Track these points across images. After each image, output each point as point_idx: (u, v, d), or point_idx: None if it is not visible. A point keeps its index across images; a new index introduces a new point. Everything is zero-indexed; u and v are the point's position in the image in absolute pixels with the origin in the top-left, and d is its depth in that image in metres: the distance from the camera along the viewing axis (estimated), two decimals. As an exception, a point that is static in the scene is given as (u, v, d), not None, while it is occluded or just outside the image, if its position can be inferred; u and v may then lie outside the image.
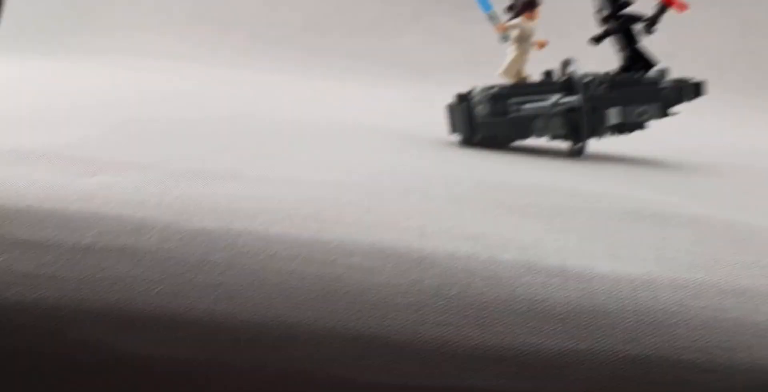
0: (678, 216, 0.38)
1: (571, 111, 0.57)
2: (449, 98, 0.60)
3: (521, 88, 0.58)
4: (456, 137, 0.61)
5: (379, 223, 0.34)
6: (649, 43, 0.59)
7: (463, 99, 0.59)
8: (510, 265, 0.31)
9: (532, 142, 0.62)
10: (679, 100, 0.58)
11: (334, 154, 0.50)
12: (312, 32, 1.37)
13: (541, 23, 0.59)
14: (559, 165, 0.54)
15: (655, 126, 0.60)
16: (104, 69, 1.12)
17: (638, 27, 0.58)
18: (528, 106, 0.57)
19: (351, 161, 0.47)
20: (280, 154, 0.48)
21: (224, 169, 0.41)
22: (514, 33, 0.58)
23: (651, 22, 0.57)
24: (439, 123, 0.66)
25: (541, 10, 0.57)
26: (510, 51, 0.59)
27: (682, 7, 0.56)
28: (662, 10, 0.56)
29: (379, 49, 1.36)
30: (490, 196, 0.40)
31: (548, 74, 0.60)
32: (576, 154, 0.59)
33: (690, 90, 0.59)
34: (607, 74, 0.59)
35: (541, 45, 0.60)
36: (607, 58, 0.62)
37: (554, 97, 0.57)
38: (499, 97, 0.58)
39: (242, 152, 0.47)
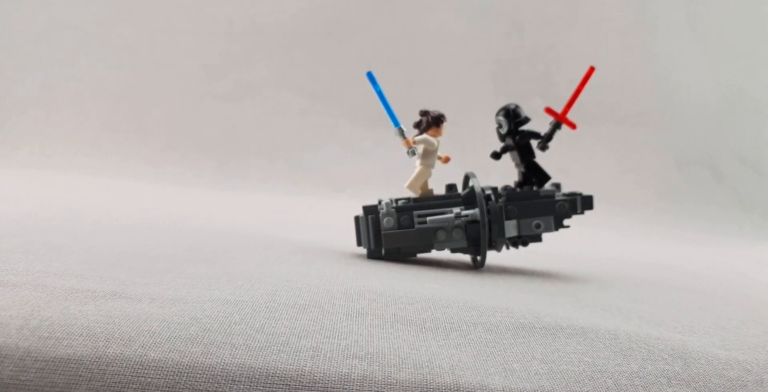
0: (568, 327, 0.39)
1: (471, 223, 0.59)
2: (361, 210, 0.61)
3: (426, 201, 0.61)
4: (363, 249, 0.62)
5: (271, 344, 0.32)
6: (545, 159, 0.64)
7: (370, 211, 0.60)
8: (404, 386, 0.30)
9: (435, 254, 0.64)
10: (571, 213, 0.62)
11: (235, 267, 0.48)
12: (229, 142, 1.39)
13: (449, 138, 0.63)
14: (459, 277, 0.55)
15: (550, 237, 0.64)
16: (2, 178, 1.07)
17: (534, 143, 0.62)
18: (432, 218, 0.59)
19: (251, 275, 0.45)
20: (175, 269, 0.46)
21: (107, 287, 0.38)
22: (421, 148, 0.61)
23: (546, 139, 0.62)
24: (349, 235, 0.67)
25: (447, 127, 0.61)
26: (416, 165, 0.62)
27: (573, 126, 0.62)
28: (555, 127, 0.61)
29: (295, 161, 1.40)
30: (390, 311, 0.39)
31: (451, 188, 0.63)
32: (478, 265, 0.61)
33: (581, 203, 0.63)
34: (505, 188, 0.62)
35: (446, 160, 0.63)
36: (510, 171, 0.67)
37: (456, 210, 0.59)
38: (405, 209, 0.60)
39: (132, 267, 0.45)
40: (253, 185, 1.29)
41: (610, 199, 1.30)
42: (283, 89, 1.45)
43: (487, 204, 0.59)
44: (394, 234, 0.59)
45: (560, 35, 1.56)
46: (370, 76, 0.61)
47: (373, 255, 0.61)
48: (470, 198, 0.60)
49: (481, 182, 0.60)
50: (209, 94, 1.42)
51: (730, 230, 1.29)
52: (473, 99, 1.47)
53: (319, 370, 0.30)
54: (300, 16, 1.51)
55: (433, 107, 0.63)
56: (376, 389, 0.30)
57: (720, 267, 0.85)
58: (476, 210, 0.58)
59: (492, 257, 0.65)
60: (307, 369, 0.30)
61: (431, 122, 0.62)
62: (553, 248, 0.73)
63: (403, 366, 0.32)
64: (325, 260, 0.56)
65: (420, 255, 0.63)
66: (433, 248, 0.60)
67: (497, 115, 0.63)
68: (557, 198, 0.61)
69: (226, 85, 1.43)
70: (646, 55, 1.57)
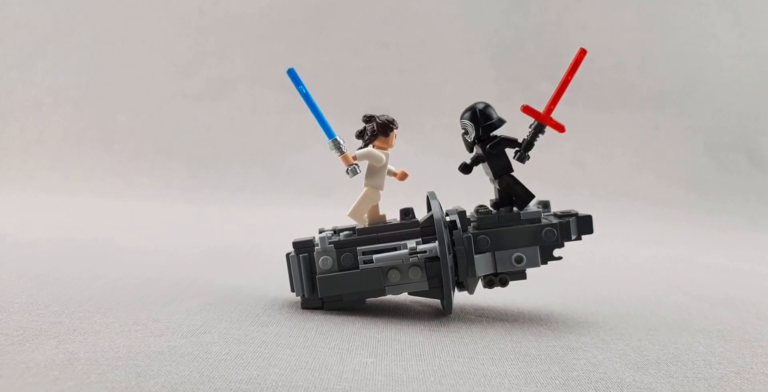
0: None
1: (432, 260, 0.45)
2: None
3: (374, 233, 0.47)
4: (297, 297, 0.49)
5: None
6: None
7: (302, 248, 0.47)
8: None
9: (390, 298, 0.51)
10: (563, 241, 0.47)
11: (94, 345, 0.36)
12: (202, 146, 1.26)
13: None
14: (411, 337, 0.41)
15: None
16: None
17: (511, 153, 0.48)
18: (379, 256, 0.45)
19: (97, 366, 0.33)
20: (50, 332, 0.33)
21: None
22: (365, 164, 0.48)
23: (525, 148, 0.47)
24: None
25: (400, 134, 0.48)
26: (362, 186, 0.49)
27: (561, 128, 0.47)
28: (537, 131, 0.47)
29: (275, 164, 1.27)
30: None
31: (407, 213, 0.49)
32: (445, 311, 0.47)
33: (576, 227, 0.48)
34: (477, 210, 0.48)
35: (402, 176, 0.50)
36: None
37: (411, 244, 0.46)
38: (346, 245, 0.47)
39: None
40: (227, 195, 1.17)
41: (630, 195, 1.14)
42: (261, 84, 1.32)
43: (450, 235, 0.46)
44: (333, 278, 0.46)
45: (568, 8, 1.39)
46: (291, 73, 0.47)
47: (309, 305, 0.47)
48: (430, 226, 0.47)
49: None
50: (179, 94, 1.29)
51: (772, 227, 1.12)
52: (473, 86, 1.32)
53: None
54: (277, 1, 1.37)
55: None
56: None
57: (764, 284, 0.70)
58: (436, 244, 0.45)
59: (467, 297, 0.52)
60: None
61: (377, 131, 0.48)
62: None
63: None
64: (232, 320, 0.43)
65: (372, 300, 0.49)
66: (383, 293, 0.47)
67: (462, 117, 0.49)
68: (544, 222, 0.47)
69: (198, 83, 1.31)
70: (668, 27, 1.38)
